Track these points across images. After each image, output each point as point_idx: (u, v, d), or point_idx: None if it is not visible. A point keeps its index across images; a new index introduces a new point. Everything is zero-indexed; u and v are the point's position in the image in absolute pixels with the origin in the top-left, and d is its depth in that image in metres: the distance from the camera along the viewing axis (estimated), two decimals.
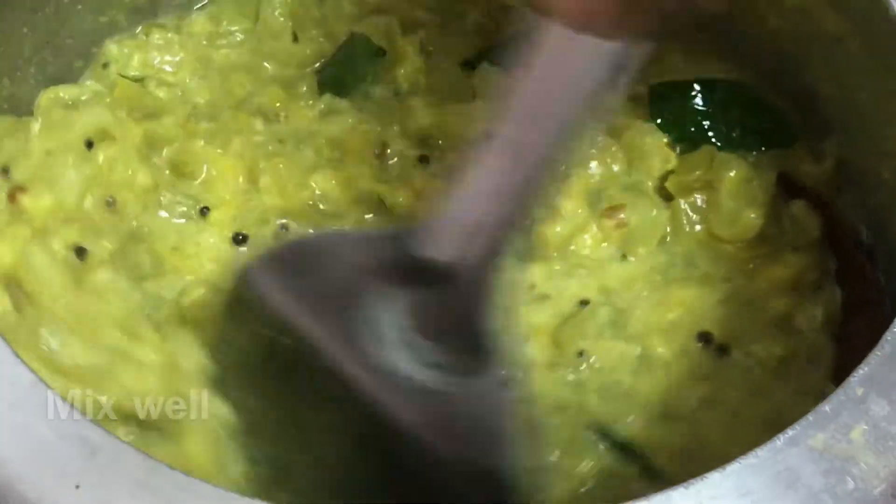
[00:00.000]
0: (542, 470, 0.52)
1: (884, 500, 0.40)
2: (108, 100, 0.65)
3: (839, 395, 0.41)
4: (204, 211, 0.62)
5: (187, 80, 0.68)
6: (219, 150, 0.63)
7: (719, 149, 0.63)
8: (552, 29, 0.45)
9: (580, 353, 0.57)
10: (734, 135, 0.64)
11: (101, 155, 0.61)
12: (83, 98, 0.65)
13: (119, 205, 0.60)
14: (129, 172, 0.61)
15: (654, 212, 0.61)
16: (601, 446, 0.54)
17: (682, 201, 0.61)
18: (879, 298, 0.58)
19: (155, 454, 0.40)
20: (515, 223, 0.49)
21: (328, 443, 0.52)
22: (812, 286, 0.59)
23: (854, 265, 0.59)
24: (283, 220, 0.62)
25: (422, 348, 0.50)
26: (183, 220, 0.62)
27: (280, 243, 0.60)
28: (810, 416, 0.41)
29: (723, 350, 0.57)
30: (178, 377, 0.54)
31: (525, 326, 0.58)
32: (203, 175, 0.63)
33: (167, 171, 0.63)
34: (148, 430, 0.52)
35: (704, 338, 0.58)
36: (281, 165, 0.62)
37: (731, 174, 0.61)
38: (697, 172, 0.62)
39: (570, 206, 0.61)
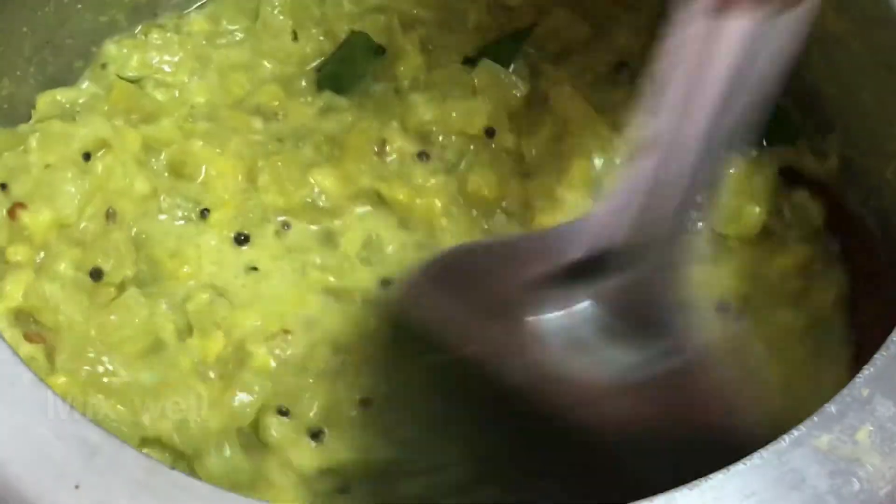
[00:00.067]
0: None
1: (889, 502, 0.40)
2: (105, 107, 0.65)
3: (845, 396, 0.41)
4: (204, 213, 0.62)
5: (185, 80, 0.67)
6: (217, 150, 0.63)
7: None
8: (693, 16, 0.45)
9: None
10: None
11: (99, 165, 0.61)
12: (80, 101, 0.65)
13: (119, 215, 0.60)
14: (127, 180, 0.61)
15: None
16: None
17: None
18: (885, 271, 0.58)
19: None
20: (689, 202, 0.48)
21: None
22: (820, 269, 0.60)
23: (859, 242, 0.60)
24: (284, 218, 0.62)
25: (609, 342, 0.49)
26: (182, 224, 0.61)
27: (423, 263, 0.59)
28: (815, 417, 0.41)
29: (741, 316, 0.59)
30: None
31: None
32: (202, 176, 0.63)
33: (166, 174, 0.63)
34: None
35: (723, 307, 0.59)
36: (279, 163, 0.62)
37: (732, 171, 0.61)
38: None
39: (572, 196, 0.61)
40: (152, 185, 0.62)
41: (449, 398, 0.53)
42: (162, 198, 0.61)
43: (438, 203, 0.61)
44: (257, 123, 0.65)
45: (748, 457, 0.39)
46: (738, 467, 0.39)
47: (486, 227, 0.62)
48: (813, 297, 0.59)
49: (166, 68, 0.68)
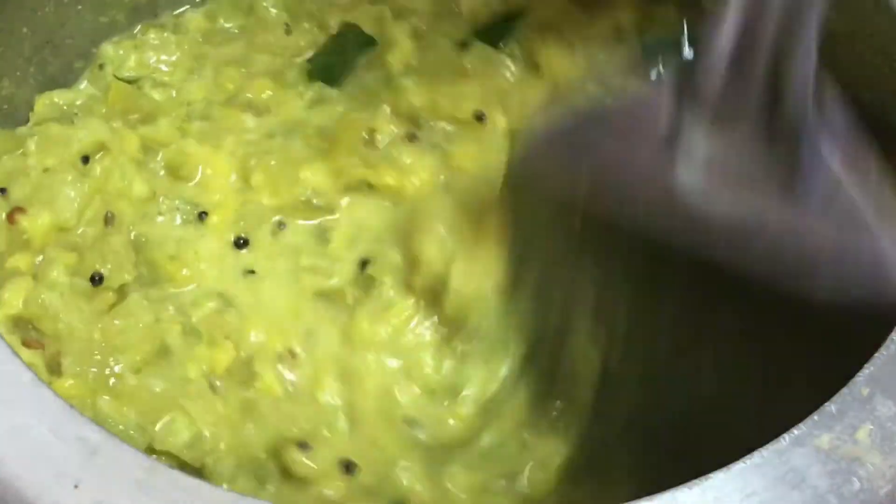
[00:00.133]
0: None
1: (890, 501, 0.39)
2: (103, 109, 0.65)
3: (845, 395, 0.41)
4: (202, 216, 0.62)
5: (183, 79, 0.68)
6: (211, 150, 0.63)
7: None
8: None
9: None
10: None
11: (97, 168, 0.61)
12: (78, 103, 0.66)
13: (118, 218, 0.60)
14: (126, 183, 0.61)
15: None
16: None
17: None
18: None
19: None
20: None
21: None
22: None
23: None
24: (279, 217, 0.62)
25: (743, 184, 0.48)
26: (181, 226, 0.61)
27: (543, 125, 0.56)
28: (816, 416, 0.41)
29: None
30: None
31: None
32: (198, 177, 0.63)
33: (163, 175, 0.63)
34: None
35: None
36: (272, 162, 0.62)
37: None
38: None
39: None
40: (151, 187, 0.62)
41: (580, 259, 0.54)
42: (160, 199, 0.62)
43: (427, 181, 0.62)
44: (249, 121, 0.65)
45: (748, 455, 0.39)
46: (739, 466, 0.39)
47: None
48: None
49: (164, 68, 0.68)
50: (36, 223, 0.58)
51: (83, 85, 0.67)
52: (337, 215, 0.62)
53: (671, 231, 0.49)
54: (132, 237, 0.60)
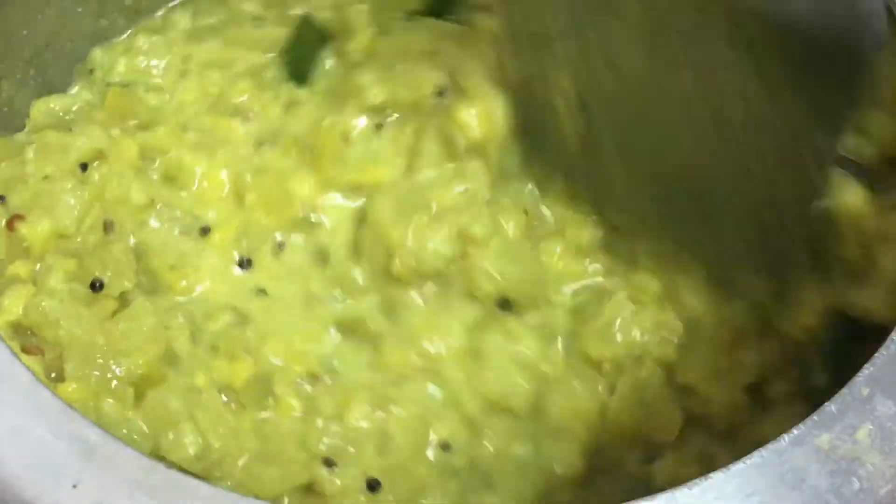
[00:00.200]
0: None
1: (890, 501, 0.39)
2: (100, 114, 0.65)
3: (844, 395, 0.41)
4: (204, 231, 0.62)
5: (174, 83, 0.67)
6: (207, 160, 0.63)
7: None
8: None
9: None
10: None
11: (95, 175, 0.61)
12: (74, 108, 0.65)
13: (117, 226, 0.60)
14: (124, 190, 0.61)
15: None
16: None
17: None
18: None
19: None
20: None
21: None
22: None
23: None
24: (279, 237, 0.62)
25: None
26: (183, 239, 0.61)
27: None
28: (815, 416, 0.41)
29: None
30: None
31: None
32: (195, 187, 0.63)
33: (161, 183, 0.63)
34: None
35: None
36: (265, 180, 0.62)
37: None
38: None
39: None
40: (149, 194, 0.62)
41: None
42: (158, 207, 0.61)
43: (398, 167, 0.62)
44: (238, 126, 0.65)
45: (748, 456, 0.39)
46: (739, 466, 0.39)
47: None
48: None
49: (155, 71, 0.68)
50: (35, 231, 0.58)
51: (75, 89, 0.67)
52: (332, 228, 0.62)
53: None
54: (132, 245, 0.60)
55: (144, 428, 0.53)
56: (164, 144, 0.63)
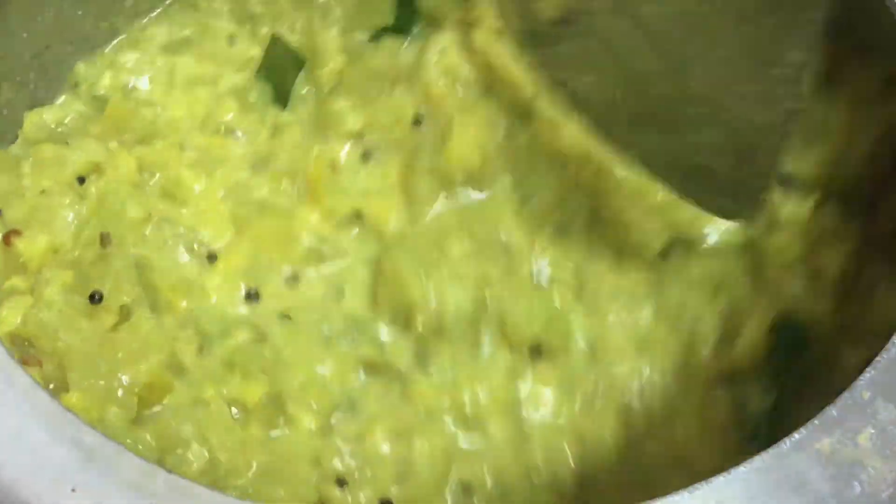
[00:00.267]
0: None
1: None
2: (96, 128, 0.64)
3: (846, 399, 0.41)
4: (212, 258, 0.61)
5: (162, 96, 0.67)
6: (205, 179, 0.63)
7: None
8: None
9: None
10: None
11: (93, 188, 0.61)
12: (67, 120, 0.65)
13: (114, 239, 0.60)
14: (121, 205, 0.61)
15: None
16: None
17: None
18: None
19: None
20: None
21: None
22: None
23: None
24: (291, 270, 0.62)
25: None
26: (185, 257, 0.61)
27: None
28: (817, 420, 0.40)
29: None
30: None
31: None
32: (194, 204, 0.63)
33: (160, 199, 0.63)
34: None
35: None
36: (266, 219, 0.63)
37: None
38: None
39: None
40: (146, 209, 0.61)
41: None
42: (158, 222, 0.61)
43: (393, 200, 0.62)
44: (232, 147, 0.65)
45: (749, 460, 0.39)
46: (740, 470, 0.39)
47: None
48: None
49: (141, 85, 0.68)
50: (32, 246, 0.58)
51: (61, 99, 0.67)
52: (348, 260, 0.62)
53: None
54: (133, 260, 0.59)
55: (149, 439, 0.52)
56: (163, 160, 0.64)
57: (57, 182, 0.60)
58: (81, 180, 0.61)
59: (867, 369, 0.42)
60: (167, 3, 0.70)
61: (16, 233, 0.58)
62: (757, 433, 0.54)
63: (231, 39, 0.70)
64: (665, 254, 0.59)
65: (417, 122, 0.64)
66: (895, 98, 0.56)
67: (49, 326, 0.55)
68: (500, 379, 0.58)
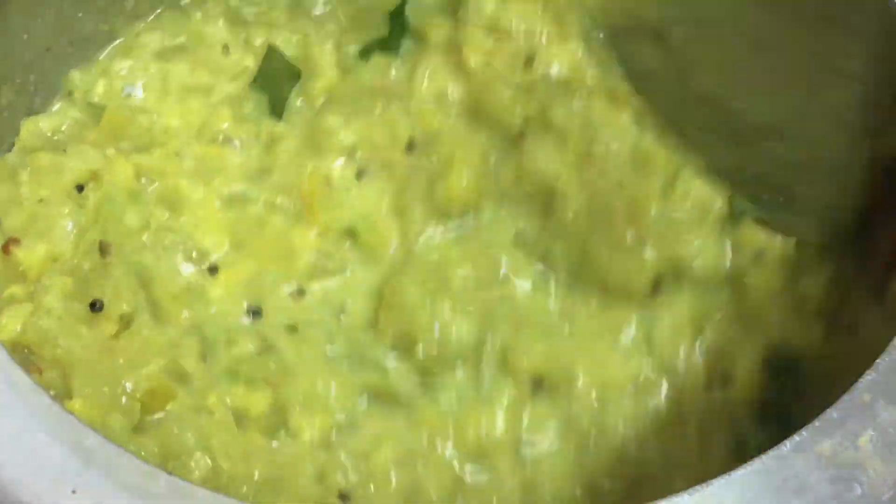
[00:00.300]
0: None
1: None
2: (92, 135, 0.64)
3: (846, 402, 0.41)
4: (213, 270, 0.61)
5: (156, 103, 0.67)
6: (203, 189, 0.63)
7: None
8: None
9: None
10: None
11: (91, 196, 0.61)
12: (63, 128, 0.65)
13: (114, 248, 0.60)
14: (120, 212, 0.61)
15: None
16: None
17: None
18: None
19: None
20: None
21: None
22: None
23: None
24: (296, 284, 0.62)
25: None
26: (185, 268, 0.61)
27: None
28: (817, 423, 0.40)
29: None
30: None
31: None
32: (193, 213, 0.63)
33: (158, 207, 0.63)
34: None
35: None
36: (265, 237, 0.63)
37: None
38: None
39: None
40: (144, 216, 0.62)
41: None
42: (154, 229, 0.61)
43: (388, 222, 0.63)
44: (229, 158, 0.65)
45: (749, 462, 0.39)
46: (740, 472, 0.39)
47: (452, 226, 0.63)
48: None
49: (135, 92, 0.68)
50: (32, 255, 0.58)
51: (56, 107, 0.67)
52: (347, 276, 0.62)
53: None
54: (131, 267, 0.59)
55: (152, 446, 0.52)
56: (160, 168, 0.64)
57: (55, 190, 0.60)
58: (80, 188, 0.61)
59: (868, 371, 0.42)
60: (162, 8, 0.70)
61: (15, 241, 0.58)
62: None
63: (225, 49, 0.70)
64: (653, 291, 0.59)
65: (411, 147, 0.65)
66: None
67: (49, 334, 0.55)
68: (503, 412, 0.58)
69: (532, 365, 0.58)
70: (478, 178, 0.63)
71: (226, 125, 0.66)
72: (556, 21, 0.64)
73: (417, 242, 0.63)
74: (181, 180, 0.63)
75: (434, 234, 0.62)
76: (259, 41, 0.69)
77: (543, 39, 0.64)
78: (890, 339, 0.43)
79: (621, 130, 0.61)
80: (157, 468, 0.39)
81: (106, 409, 0.53)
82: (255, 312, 0.61)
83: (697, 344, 0.58)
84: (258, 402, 0.56)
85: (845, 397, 0.41)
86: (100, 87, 0.67)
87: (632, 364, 0.58)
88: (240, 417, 0.56)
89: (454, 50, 0.66)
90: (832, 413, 0.41)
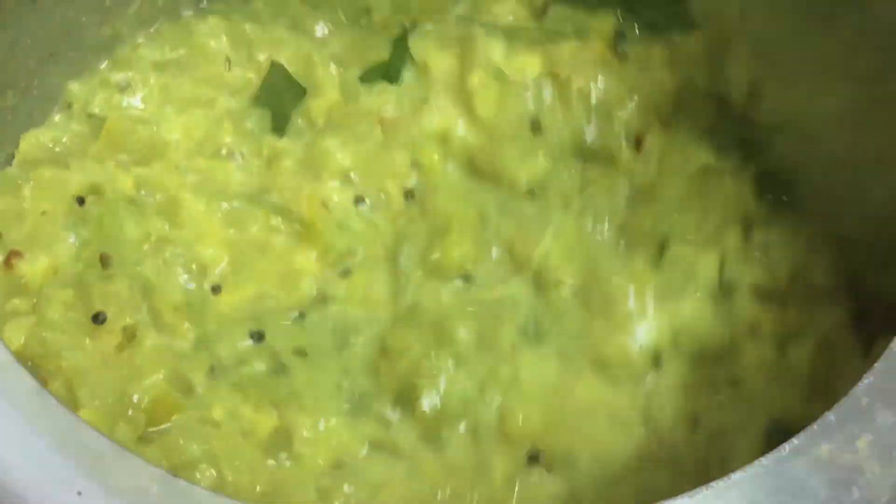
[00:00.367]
0: None
1: None
2: (94, 148, 0.65)
3: (844, 405, 0.41)
4: (216, 290, 0.62)
5: (156, 115, 0.67)
6: (204, 203, 0.63)
7: None
8: None
9: None
10: None
11: (93, 210, 0.61)
12: (64, 140, 0.65)
13: (115, 260, 0.60)
14: (120, 226, 0.61)
15: None
16: None
17: None
18: None
19: None
20: None
21: None
22: None
23: None
24: (297, 312, 0.62)
25: None
26: (187, 282, 0.61)
27: None
28: (816, 426, 0.41)
29: None
30: None
31: None
32: (191, 228, 0.63)
33: (159, 220, 0.63)
34: None
35: None
36: (266, 260, 0.63)
37: None
38: None
39: None
40: (144, 228, 0.62)
41: None
42: (154, 241, 0.61)
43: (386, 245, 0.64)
44: (231, 172, 0.66)
45: (749, 465, 0.40)
46: (739, 475, 0.39)
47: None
48: None
49: (135, 103, 0.68)
50: (34, 268, 0.59)
51: (57, 118, 0.67)
52: (346, 306, 0.62)
53: None
54: (135, 281, 0.59)
55: (157, 457, 0.53)
56: (161, 181, 0.64)
57: (57, 204, 0.61)
58: (81, 201, 0.61)
59: (866, 375, 0.42)
60: (161, 21, 0.71)
61: (17, 254, 0.59)
62: None
63: (227, 62, 0.70)
64: (648, 366, 0.59)
65: (410, 195, 0.65)
66: None
67: (53, 346, 0.55)
68: (498, 482, 0.57)
69: (530, 432, 0.57)
70: (475, 242, 0.63)
71: (228, 139, 0.66)
72: (560, 81, 0.66)
73: (415, 295, 0.62)
74: (181, 193, 0.63)
75: (431, 290, 0.62)
76: (262, 56, 0.70)
77: (548, 96, 0.66)
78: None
79: (614, 196, 0.62)
80: (162, 471, 0.39)
81: (112, 420, 0.53)
82: (258, 336, 0.60)
83: (693, 434, 0.57)
84: (264, 422, 0.56)
85: (843, 401, 0.41)
86: (99, 99, 0.67)
87: (629, 447, 0.57)
88: (245, 434, 0.56)
89: (460, 91, 0.67)
90: (830, 417, 0.41)
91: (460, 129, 0.66)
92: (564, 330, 0.61)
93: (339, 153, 0.65)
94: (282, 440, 0.56)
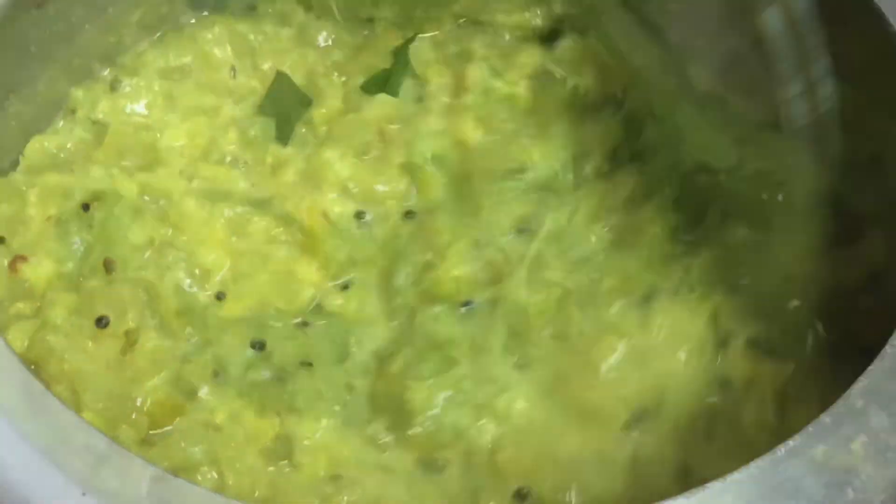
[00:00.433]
0: None
1: None
2: (99, 154, 0.65)
3: (839, 407, 0.42)
4: (220, 296, 0.62)
5: (161, 122, 0.67)
6: (208, 210, 0.64)
7: None
8: None
9: None
10: None
11: (97, 215, 0.61)
12: (69, 146, 0.66)
13: (119, 265, 0.60)
14: (123, 231, 0.61)
15: None
16: None
17: None
18: None
19: None
20: None
21: None
22: None
23: None
24: (298, 320, 0.62)
25: None
26: (190, 287, 0.62)
27: None
28: (811, 428, 0.41)
29: None
30: None
31: None
32: (194, 234, 0.63)
33: (160, 224, 0.63)
34: None
35: None
36: (270, 270, 0.63)
37: None
38: None
39: None
40: (147, 234, 0.62)
41: None
42: (157, 246, 0.62)
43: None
44: (235, 181, 0.66)
45: (745, 466, 0.40)
46: (735, 476, 0.40)
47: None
48: None
49: (140, 110, 0.68)
50: (38, 272, 0.59)
51: (60, 124, 0.67)
52: (343, 318, 0.62)
53: None
54: (138, 285, 0.60)
55: (160, 459, 0.52)
56: (165, 187, 0.64)
57: (62, 210, 0.61)
58: (86, 207, 0.62)
59: (861, 377, 0.43)
60: (165, 29, 0.71)
61: (22, 259, 0.59)
62: None
63: (232, 70, 0.70)
64: (631, 422, 0.56)
65: (409, 214, 0.65)
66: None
67: (56, 349, 0.55)
68: None
69: (520, 471, 0.56)
70: (471, 271, 0.63)
71: (232, 147, 0.67)
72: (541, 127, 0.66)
73: (410, 318, 0.62)
74: (185, 199, 0.64)
75: (427, 314, 0.62)
76: (266, 65, 0.70)
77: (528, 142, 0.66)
78: None
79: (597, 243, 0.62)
80: (166, 472, 0.39)
81: (115, 422, 0.53)
82: (260, 345, 0.60)
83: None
84: (266, 428, 0.56)
85: (838, 403, 0.42)
86: (103, 105, 0.67)
87: (617, 485, 0.55)
88: (248, 439, 0.56)
89: (458, 107, 0.68)
90: (825, 418, 0.41)
91: (457, 143, 0.67)
92: (542, 376, 0.59)
93: (339, 164, 0.66)
94: (283, 447, 0.56)
